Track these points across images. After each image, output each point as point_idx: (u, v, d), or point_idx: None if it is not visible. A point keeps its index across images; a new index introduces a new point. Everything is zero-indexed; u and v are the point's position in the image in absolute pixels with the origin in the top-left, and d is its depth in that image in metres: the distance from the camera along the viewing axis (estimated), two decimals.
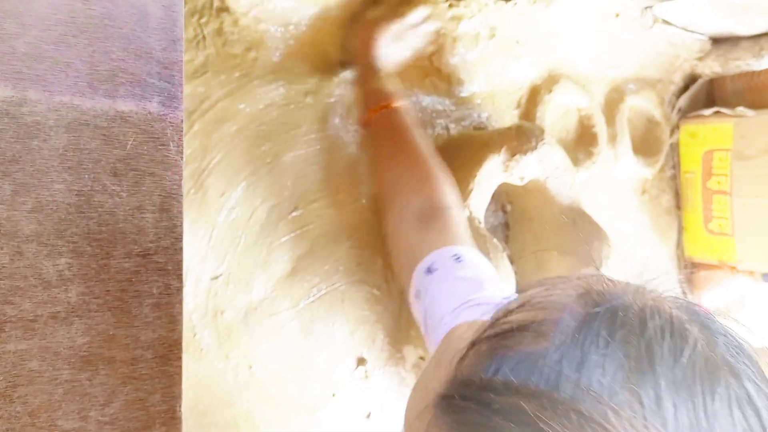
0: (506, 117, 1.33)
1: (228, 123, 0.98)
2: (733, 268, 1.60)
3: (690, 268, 1.71)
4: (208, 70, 0.96)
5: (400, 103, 0.91)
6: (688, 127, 1.64)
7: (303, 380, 1.07)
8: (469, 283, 0.78)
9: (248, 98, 1.00)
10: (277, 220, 1.04)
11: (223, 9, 0.94)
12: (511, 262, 1.23)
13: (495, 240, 1.09)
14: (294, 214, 1.05)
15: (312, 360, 1.08)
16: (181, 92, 0.50)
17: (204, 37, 0.95)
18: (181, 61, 0.50)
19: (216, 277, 0.98)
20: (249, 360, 1.01)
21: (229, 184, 0.99)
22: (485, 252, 1.06)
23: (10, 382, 0.43)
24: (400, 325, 1.16)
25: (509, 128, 1.17)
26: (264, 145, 1.02)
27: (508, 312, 0.42)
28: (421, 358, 1.14)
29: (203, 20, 0.94)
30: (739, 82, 1.64)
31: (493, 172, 1.13)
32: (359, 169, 1.12)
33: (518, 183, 1.19)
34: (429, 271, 0.81)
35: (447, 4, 1.15)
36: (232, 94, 0.98)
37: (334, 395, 1.11)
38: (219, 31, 0.95)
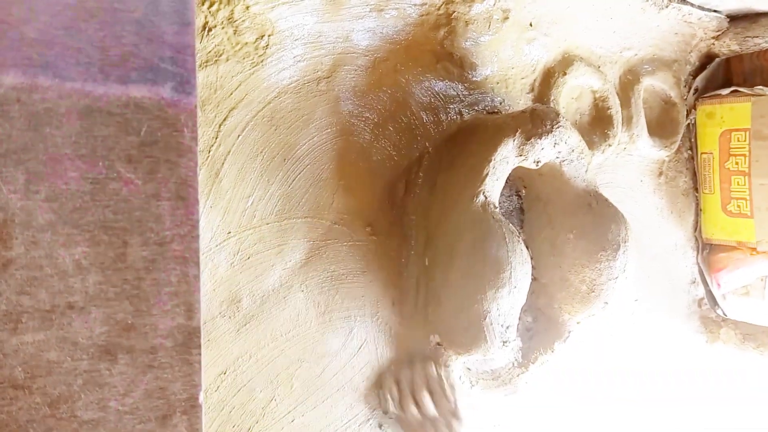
0: (520, 101, 1.31)
1: (241, 111, 0.98)
2: (752, 249, 1.58)
3: (708, 250, 1.69)
4: (220, 58, 0.95)
5: None
6: (705, 108, 1.62)
7: (320, 366, 1.07)
8: None
9: (261, 86, 0.99)
10: (292, 207, 1.03)
11: None
12: (527, 246, 1.22)
13: (510, 225, 1.08)
14: (309, 201, 1.05)
15: (329, 347, 1.08)
16: (195, 77, 0.49)
17: (215, 25, 0.94)
18: (194, 45, 0.49)
19: (233, 265, 0.98)
20: (266, 347, 1.01)
21: (244, 173, 0.98)
22: (500, 237, 1.05)
23: (28, 373, 0.43)
24: (416, 310, 1.16)
25: (523, 112, 1.15)
26: (278, 132, 1.01)
27: None
28: (438, 344, 1.14)
29: (213, 8, 0.93)
30: (757, 60, 1.60)
31: (508, 156, 1.11)
32: (373, 154, 1.11)
33: (533, 167, 1.17)
34: None
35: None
36: (245, 81, 0.97)
37: (351, 380, 1.11)
38: (230, 19, 0.94)
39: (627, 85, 1.50)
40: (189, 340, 0.48)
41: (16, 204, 0.43)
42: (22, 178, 0.44)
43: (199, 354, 0.49)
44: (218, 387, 0.97)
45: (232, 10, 0.94)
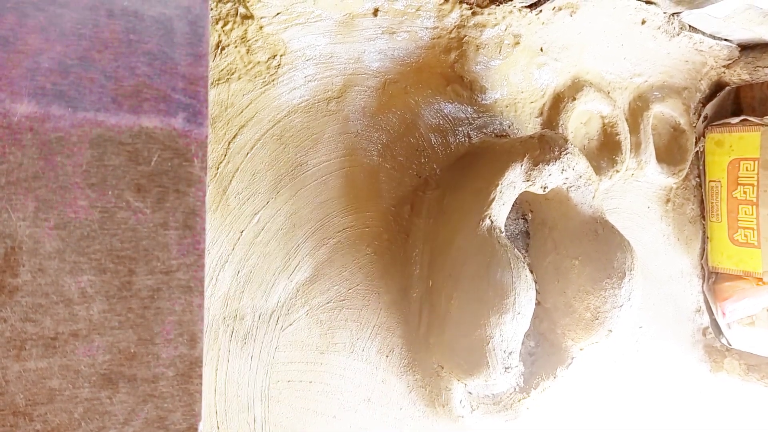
0: (529, 125, 1.31)
1: (251, 129, 0.98)
2: (759, 279, 1.57)
3: (714, 278, 1.68)
4: (232, 76, 0.96)
5: None
6: (714, 136, 1.61)
7: (320, 386, 1.07)
8: None
9: (272, 105, 0.99)
10: (298, 226, 1.03)
11: (248, 16, 0.94)
12: (532, 270, 1.21)
13: (516, 250, 1.08)
14: (316, 221, 1.05)
15: (329, 366, 1.08)
16: (206, 108, 0.49)
17: (228, 44, 0.94)
18: (207, 76, 0.49)
19: (237, 282, 0.98)
20: (267, 366, 1.01)
21: (251, 190, 0.99)
22: (505, 263, 1.05)
23: (30, 400, 0.43)
24: (419, 332, 1.15)
25: (532, 137, 1.15)
26: (287, 151, 1.01)
27: None
28: (441, 366, 1.13)
29: (227, 27, 0.94)
30: (767, 89, 1.60)
31: (515, 181, 1.11)
32: (380, 175, 1.11)
33: (540, 192, 1.17)
34: None
35: (470, 11, 1.14)
36: (256, 100, 0.98)
37: (349, 404, 1.11)
38: (243, 38, 0.95)
39: (636, 111, 1.50)
40: (190, 370, 0.48)
41: (24, 231, 0.43)
42: (32, 206, 0.44)
43: (200, 384, 0.49)
44: (216, 402, 0.97)
45: (246, 30, 0.95)
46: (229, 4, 0.93)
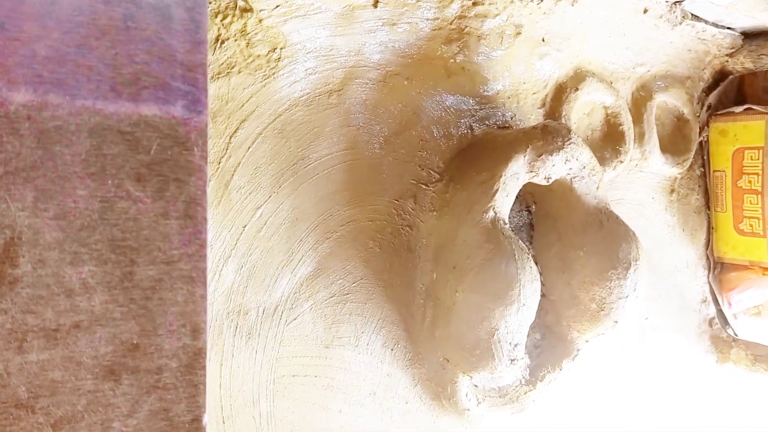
0: (531, 116, 1.30)
1: (252, 123, 0.97)
2: (765, 269, 1.57)
3: (719, 269, 1.67)
4: (232, 70, 0.95)
5: None
6: (717, 125, 1.61)
7: (326, 381, 1.07)
8: None
9: (272, 98, 0.99)
10: (301, 220, 1.03)
11: (247, 9, 0.93)
12: (536, 262, 1.21)
13: (520, 242, 1.07)
14: (318, 214, 1.04)
15: (334, 360, 1.07)
16: (206, 96, 0.49)
17: (227, 38, 0.94)
18: (206, 63, 0.49)
19: (240, 277, 0.98)
20: (272, 360, 1.01)
21: (253, 185, 0.98)
22: (509, 254, 1.04)
23: (32, 392, 0.42)
24: (423, 326, 1.15)
25: (535, 127, 1.15)
26: (288, 145, 1.01)
27: None
28: (446, 359, 1.13)
29: (226, 20, 0.93)
30: None
31: (519, 172, 1.11)
32: (383, 168, 1.11)
33: (543, 183, 1.16)
34: None
35: (471, 1, 1.14)
36: (256, 94, 0.97)
37: (356, 399, 1.10)
38: (243, 32, 0.94)
39: (639, 101, 1.49)
40: (194, 361, 0.48)
41: (23, 222, 0.43)
42: (31, 196, 0.43)
43: (204, 375, 0.48)
44: (221, 397, 0.97)
45: (245, 23, 0.94)
46: None
